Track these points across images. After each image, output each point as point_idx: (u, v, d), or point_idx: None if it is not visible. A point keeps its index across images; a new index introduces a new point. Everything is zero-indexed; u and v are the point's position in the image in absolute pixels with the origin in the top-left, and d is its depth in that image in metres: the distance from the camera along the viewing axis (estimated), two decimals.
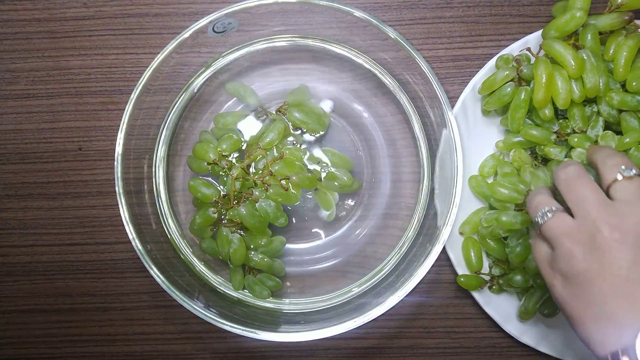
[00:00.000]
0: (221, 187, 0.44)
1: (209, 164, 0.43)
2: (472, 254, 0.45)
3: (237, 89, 0.46)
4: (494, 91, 0.44)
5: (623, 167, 0.33)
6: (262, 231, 0.43)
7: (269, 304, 0.46)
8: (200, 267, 0.46)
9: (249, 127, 0.45)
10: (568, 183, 0.34)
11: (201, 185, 0.43)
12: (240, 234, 0.43)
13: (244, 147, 0.45)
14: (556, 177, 0.35)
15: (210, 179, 0.45)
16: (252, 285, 0.44)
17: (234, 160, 0.43)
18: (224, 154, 0.43)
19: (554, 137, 0.42)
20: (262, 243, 0.43)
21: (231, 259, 0.43)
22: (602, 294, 0.31)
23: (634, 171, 0.33)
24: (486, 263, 0.45)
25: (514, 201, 0.42)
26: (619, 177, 0.33)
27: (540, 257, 0.35)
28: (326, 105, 0.47)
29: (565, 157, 0.42)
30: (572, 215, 0.33)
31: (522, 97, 0.42)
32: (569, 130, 0.43)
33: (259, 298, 0.45)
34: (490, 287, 0.45)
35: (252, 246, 0.43)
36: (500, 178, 0.44)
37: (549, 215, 0.34)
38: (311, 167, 0.45)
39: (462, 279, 0.44)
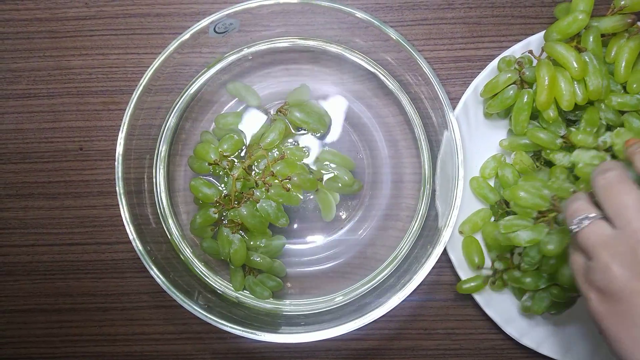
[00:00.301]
0: (222, 186, 0.44)
1: (210, 164, 0.43)
2: (474, 251, 0.44)
3: (238, 90, 0.46)
4: (496, 94, 0.43)
5: None
6: (262, 232, 0.43)
7: (269, 304, 0.45)
8: (200, 267, 0.46)
9: (250, 126, 0.45)
10: (607, 189, 0.31)
11: (202, 185, 0.43)
12: (241, 235, 0.43)
13: (243, 152, 0.44)
14: (594, 183, 0.32)
15: (211, 178, 0.45)
16: (252, 286, 0.44)
17: (235, 161, 0.43)
18: (225, 154, 0.43)
19: (559, 141, 0.42)
20: (262, 244, 0.43)
21: (232, 259, 0.43)
22: None
23: None
24: (487, 263, 0.45)
25: (537, 208, 0.39)
26: None
27: (575, 267, 0.32)
28: (327, 106, 0.47)
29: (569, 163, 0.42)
30: (612, 224, 0.31)
31: (525, 99, 0.42)
32: (579, 137, 0.41)
33: (260, 299, 0.45)
34: (493, 283, 0.44)
35: (251, 244, 0.43)
36: (522, 181, 0.42)
37: (586, 222, 0.31)
38: (314, 167, 0.45)
39: (463, 286, 0.44)
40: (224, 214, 0.43)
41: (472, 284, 0.44)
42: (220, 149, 0.43)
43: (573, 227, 0.32)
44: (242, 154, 0.45)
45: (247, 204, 0.42)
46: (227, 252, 0.43)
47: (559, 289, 0.42)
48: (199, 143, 0.44)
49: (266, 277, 0.45)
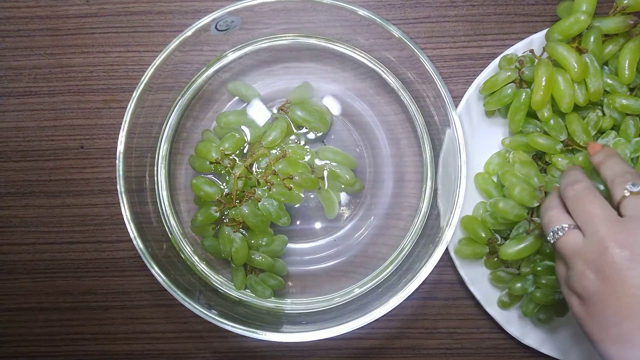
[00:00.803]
0: (224, 185, 0.43)
1: (211, 163, 0.43)
2: (477, 226, 0.43)
3: (239, 89, 0.46)
4: (495, 91, 0.43)
5: (631, 183, 0.32)
6: (264, 231, 0.43)
7: (271, 303, 0.45)
8: (201, 266, 0.46)
9: (252, 125, 0.45)
10: (576, 200, 0.34)
11: (204, 184, 0.42)
12: (242, 233, 0.43)
13: (246, 148, 0.44)
14: (564, 193, 0.35)
15: (212, 177, 0.44)
16: (254, 285, 0.44)
17: (236, 159, 0.43)
18: (226, 152, 0.42)
19: (560, 146, 0.42)
20: (263, 243, 0.43)
21: (233, 258, 0.43)
22: (617, 315, 0.30)
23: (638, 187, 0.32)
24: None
25: (525, 204, 0.41)
26: (627, 193, 0.32)
27: (559, 274, 0.35)
28: (329, 104, 0.46)
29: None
30: (583, 233, 0.33)
31: (522, 99, 0.42)
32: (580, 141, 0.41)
33: (261, 298, 0.44)
34: (492, 258, 0.44)
35: (252, 242, 0.43)
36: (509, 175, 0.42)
37: (560, 234, 0.33)
38: (317, 163, 0.45)
39: (459, 249, 0.44)
40: (225, 212, 0.43)
41: (468, 249, 0.44)
42: (221, 148, 0.42)
43: (550, 238, 0.34)
44: (245, 151, 0.45)
45: (248, 203, 0.42)
46: (228, 251, 0.43)
47: (542, 292, 0.42)
48: (200, 142, 0.44)
49: (267, 276, 0.44)
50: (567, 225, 0.33)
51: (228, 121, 0.45)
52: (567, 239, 0.33)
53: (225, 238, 0.42)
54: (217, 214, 0.42)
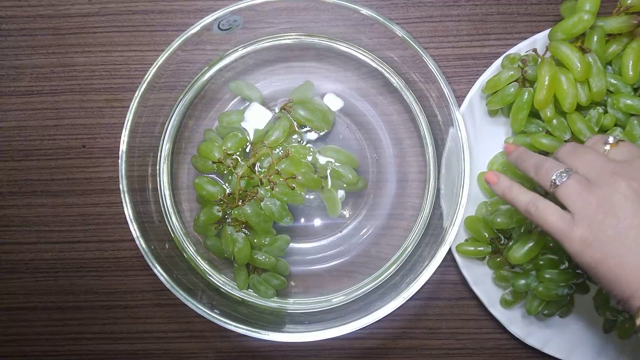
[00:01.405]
0: (226, 185, 0.43)
1: (213, 162, 0.43)
2: (481, 226, 0.43)
3: (241, 88, 0.46)
4: (497, 90, 0.43)
5: (604, 139, 0.35)
6: (266, 230, 0.43)
7: (273, 303, 0.45)
8: (204, 265, 0.46)
9: (254, 124, 0.45)
10: (571, 153, 0.35)
11: (206, 183, 0.42)
12: (245, 233, 0.43)
13: (248, 148, 0.44)
14: (558, 154, 0.36)
15: (215, 176, 0.44)
16: (256, 285, 0.44)
17: (239, 159, 0.43)
18: (229, 152, 0.42)
19: None
20: (266, 242, 0.43)
21: (235, 257, 0.43)
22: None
23: (612, 138, 0.35)
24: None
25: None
26: (607, 147, 0.35)
27: (556, 223, 0.33)
28: (332, 103, 0.46)
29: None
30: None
31: (525, 98, 0.42)
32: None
33: (264, 297, 0.44)
34: (494, 258, 0.44)
35: (255, 242, 0.43)
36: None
37: (564, 176, 0.33)
38: (321, 161, 0.44)
39: (462, 247, 0.43)
40: (228, 212, 0.43)
41: (471, 248, 0.44)
42: (224, 147, 0.42)
43: (554, 181, 0.34)
44: (247, 151, 0.45)
45: (251, 202, 0.42)
46: (231, 251, 0.42)
47: (545, 287, 0.41)
48: (202, 141, 0.44)
49: (270, 275, 0.44)
50: (569, 169, 0.34)
51: (230, 120, 0.45)
52: (574, 180, 0.33)
53: (228, 238, 0.42)
54: (220, 214, 0.42)
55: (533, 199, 0.34)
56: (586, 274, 0.39)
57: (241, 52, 0.46)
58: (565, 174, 0.33)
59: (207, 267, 0.46)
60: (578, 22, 0.40)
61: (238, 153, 0.43)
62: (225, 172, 0.43)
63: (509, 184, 0.37)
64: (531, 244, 0.41)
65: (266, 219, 0.42)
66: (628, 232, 0.31)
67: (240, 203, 0.42)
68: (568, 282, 0.41)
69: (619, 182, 0.32)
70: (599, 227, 0.31)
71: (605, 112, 0.42)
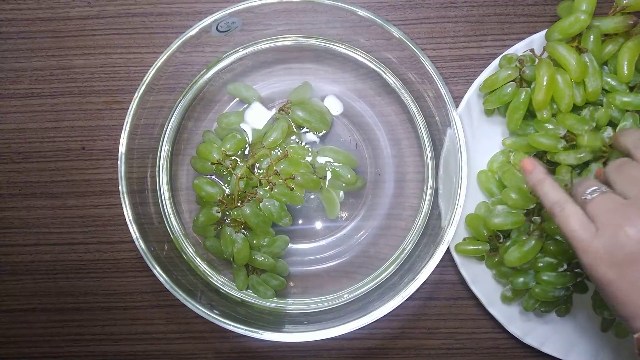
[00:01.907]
0: (225, 185, 0.44)
1: (213, 164, 0.43)
2: (480, 225, 0.44)
3: (239, 90, 0.46)
4: (495, 90, 0.43)
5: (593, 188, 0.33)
6: (265, 231, 0.43)
7: (272, 304, 0.45)
8: (203, 266, 0.46)
9: (253, 125, 0.45)
10: (617, 168, 0.34)
11: (206, 184, 0.43)
12: (244, 234, 0.43)
13: (247, 149, 0.44)
14: (607, 170, 0.34)
15: (214, 177, 0.45)
16: (255, 285, 0.44)
17: (238, 160, 0.43)
18: (227, 153, 0.43)
19: (562, 145, 0.42)
20: (265, 243, 0.43)
21: (235, 258, 0.43)
22: None
23: None
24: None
25: (522, 207, 0.41)
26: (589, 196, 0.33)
27: (576, 231, 0.32)
28: (333, 107, 0.47)
29: (577, 163, 0.42)
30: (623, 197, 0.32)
31: (522, 98, 0.42)
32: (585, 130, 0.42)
33: (263, 298, 0.44)
34: (492, 257, 0.44)
35: (254, 243, 0.43)
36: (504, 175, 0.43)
37: (597, 193, 0.32)
38: (320, 160, 0.45)
39: (461, 247, 0.44)
40: (227, 213, 0.43)
41: (470, 247, 0.44)
42: (223, 149, 0.43)
43: (585, 196, 0.33)
44: (246, 152, 0.45)
45: (250, 203, 0.42)
46: (230, 252, 0.43)
47: (541, 289, 0.42)
48: (201, 143, 0.44)
49: (269, 276, 0.44)
50: (605, 188, 0.32)
51: (229, 122, 0.45)
52: (605, 198, 0.32)
53: (227, 238, 0.42)
54: (219, 215, 0.43)
55: (561, 200, 0.33)
56: (587, 278, 0.39)
57: (240, 53, 0.46)
58: (597, 191, 0.32)
59: (207, 268, 0.46)
60: (575, 22, 0.40)
61: (238, 154, 0.44)
62: (224, 173, 0.43)
63: (543, 177, 0.35)
64: (528, 248, 0.41)
65: (265, 220, 0.42)
66: None
67: (239, 204, 0.42)
68: (566, 285, 0.41)
69: None
70: (619, 248, 0.30)
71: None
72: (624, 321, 0.31)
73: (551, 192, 0.34)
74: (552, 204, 0.33)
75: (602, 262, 0.31)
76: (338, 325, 0.40)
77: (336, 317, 0.42)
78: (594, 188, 0.33)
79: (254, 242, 0.43)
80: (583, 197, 0.33)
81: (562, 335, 0.45)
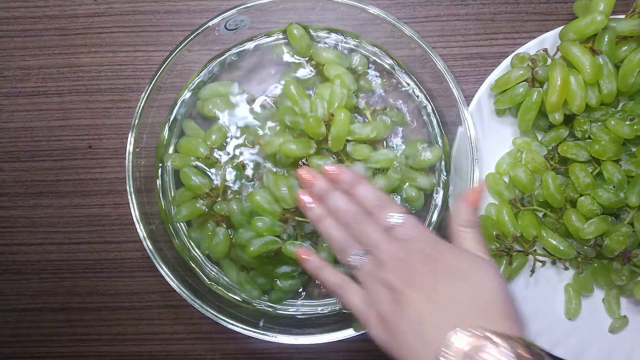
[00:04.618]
0: (214, 176, 0.43)
1: (200, 159, 0.42)
2: (490, 225, 0.43)
3: (216, 89, 0.45)
4: (506, 89, 0.43)
5: (392, 215, 0.35)
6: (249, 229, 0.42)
7: (280, 305, 0.45)
8: (210, 267, 0.46)
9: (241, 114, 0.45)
10: (362, 231, 0.36)
11: (194, 174, 0.42)
12: (225, 229, 0.43)
13: (229, 139, 0.44)
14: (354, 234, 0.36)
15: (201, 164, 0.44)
16: (243, 283, 0.44)
17: (236, 152, 0.43)
18: (213, 147, 0.42)
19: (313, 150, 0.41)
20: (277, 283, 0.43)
21: (212, 252, 0.43)
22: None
23: (399, 219, 0.35)
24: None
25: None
26: (391, 223, 0.35)
27: (356, 305, 0.34)
28: None
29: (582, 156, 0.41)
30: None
31: (534, 98, 0.42)
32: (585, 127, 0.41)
33: (249, 297, 0.44)
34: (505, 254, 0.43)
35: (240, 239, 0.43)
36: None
37: (358, 259, 0.35)
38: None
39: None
40: (216, 207, 0.43)
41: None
42: (208, 142, 0.42)
43: (350, 261, 0.35)
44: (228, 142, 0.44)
45: (237, 199, 0.42)
46: (206, 245, 0.42)
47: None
48: (184, 137, 0.43)
49: (257, 274, 0.44)
50: (360, 251, 0.35)
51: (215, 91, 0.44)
52: (364, 264, 0.35)
53: (207, 231, 0.42)
54: (205, 208, 0.42)
55: (342, 282, 0.36)
56: None
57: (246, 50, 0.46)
58: (359, 257, 0.35)
59: (213, 269, 0.46)
60: (591, 23, 0.40)
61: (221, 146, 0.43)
62: (215, 164, 0.43)
63: (321, 264, 0.37)
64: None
65: (247, 219, 0.42)
66: (413, 323, 0.31)
67: (225, 197, 0.42)
68: None
69: (395, 272, 0.33)
70: (381, 307, 0.32)
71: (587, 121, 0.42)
72: None
73: (331, 277, 0.36)
74: (334, 289, 0.36)
75: (377, 325, 0.33)
76: (346, 327, 0.39)
77: (344, 319, 0.42)
78: (355, 252, 0.35)
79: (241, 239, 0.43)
80: (350, 263, 0.35)
81: (573, 339, 0.44)
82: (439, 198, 0.45)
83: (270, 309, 0.45)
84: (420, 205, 0.44)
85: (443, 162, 0.44)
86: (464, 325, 0.29)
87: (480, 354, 0.28)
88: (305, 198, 0.38)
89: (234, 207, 0.41)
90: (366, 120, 0.44)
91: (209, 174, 0.43)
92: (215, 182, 0.43)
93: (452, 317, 0.30)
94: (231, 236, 0.43)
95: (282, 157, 0.42)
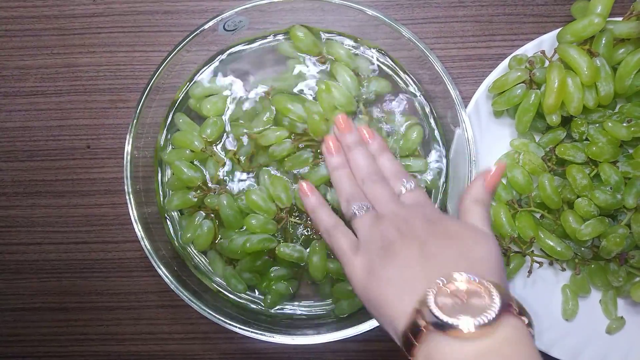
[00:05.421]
0: (206, 171, 0.43)
1: (194, 152, 0.42)
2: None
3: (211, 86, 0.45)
4: (504, 91, 0.43)
5: (404, 180, 0.36)
6: (237, 226, 0.43)
7: (278, 306, 0.45)
8: (207, 267, 0.46)
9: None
10: (369, 186, 0.36)
11: (187, 167, 0.42)
12: (213, 221, 0.43)
13: (227, 130, 0.44)
14: (362, 185, 0.37)
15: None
16: (228, 277, 0.44)
17: (231, 146, 0.43)
18: (209, 140, 0.42)
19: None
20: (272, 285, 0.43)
21: (195, 242, 0.43)
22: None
23: (411, 184, 0.36)
24: None
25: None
26: (402, 190, 0.36)
27: (342, 248, 0.34)
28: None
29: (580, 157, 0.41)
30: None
31: (532, 100, 0.42)
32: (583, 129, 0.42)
33: (234, 291, 0.44)
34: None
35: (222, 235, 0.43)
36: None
37: (362, 212, 0.35)
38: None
39: None
40: (207, 201, 0.43)
41: None
42: (203, 135, 0.42)
43: (354, 211, 0.35)
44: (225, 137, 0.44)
45: (227, 193, 0.42)
46: (188, 236, 0.43)
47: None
48: (177, 131, 0.43)
49: (243, 268, 0.44)
50: (366, 206, 0.35)
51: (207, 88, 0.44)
52: (366, 216, 0.35)
53: (193, 222, 0.42)
54: (196, 200, 0.42)
55: (335, 223, 0.36)
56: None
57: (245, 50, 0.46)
58: (364, 209, 0.35)
59: (210, 269, 0.46)
60: (588, 26, 0.40)
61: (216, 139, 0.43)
62: (208, 158, 0.43)
63: (319, 202, 0.37)
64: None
65: (236, 215, 0.42)
66: (401, 270, 0.31)
67: (220, 191, 0.42)
68: None
69: (394, 223, 0.33)
70: (377, 259, 0.32)
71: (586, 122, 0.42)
72: (388, 328, 0.31)
73: (326, 217, 0.36)
74: (327, 228, 0.36)
75: (361, 271, 0.32)
76: (344, 327, 0.39)
77: (342, 320, 0.42)
78: (360, 204, 0.35)
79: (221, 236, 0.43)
80: (352, 212, 0.35)
81: (570, 340, 0.45)
82: (435, 202, 0.45)
83: (267, 310, 0.45)
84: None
85: (443, 161, 0.45)
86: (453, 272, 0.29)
87: (467, 298, 0.27)
88: (332, 143, 0.39)
89: (224, 201, 0.41)
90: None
91: (202, 167, 0.43)
92: (208, 175, 0.43)
93: (441, 267, 0.29)
94: (219, 232, 0.43)
95: (275, 151, 0.43)
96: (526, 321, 0.28)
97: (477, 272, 0.29)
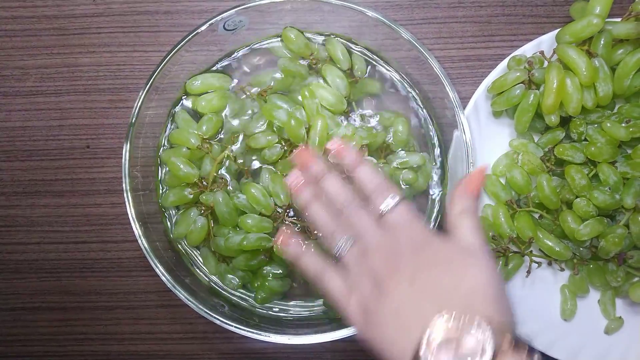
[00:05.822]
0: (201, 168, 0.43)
1: (190, 149, 0.42)
2: (486, 227, 0.43)
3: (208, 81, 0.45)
4: (503, 91, 0.43)
5: (387, 195, 0.34)
6: (232, 224, 0.43)
7: (276, 306, 0.45)
8: (205, 267, 0.46)
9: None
10: (350, 217, 0.35)
11: (184, 163, 0.42)
12: (205, 217, 0.43)
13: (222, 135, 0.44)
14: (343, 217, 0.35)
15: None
16: (222, 273, 0.44)
17: (227, 143, 0.43)
18: (205, 137, 0.42)
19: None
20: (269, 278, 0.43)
21: (187, 237, 0.43)
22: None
23: (395, 199, 0.34)
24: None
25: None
26: (386, 206, 0.34)
27: (334, 291, 0.34)
28: None
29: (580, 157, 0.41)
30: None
31: (531, 100, 0.42)
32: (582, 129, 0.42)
33: (229, 287, 0.44)
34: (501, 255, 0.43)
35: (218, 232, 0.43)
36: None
37: (347, 247, 0.34)
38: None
39: None
40: (202, 197, 0.43)
41: None
42: (199, 132, 0.42)
43: (339, 252, 0.34)
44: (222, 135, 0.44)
45: (223, 191, 0.42)
46: (180, 231, 0.43)
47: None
48: (175, 129, 0.44)
49: (237, 266, 0.44)
50: (349, 238, 0.34)
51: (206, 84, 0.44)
52: (351, 250, 0.34)
53: (187, 217, 0.42)
54: (192, 197, 0.42)
55: (322, 269, 0.35)
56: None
57: (244, 52, 0.46)
58: (349, 244, 0.34)
59: (207, 270, 0.46)
60: (587, 26, 0.40)
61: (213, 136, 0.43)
62: (205, 154, 0.43)
63: (301, 250, 0.36)
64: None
65: (232, 213, 0.42)
66: (395, 312, 0.31)
67: (211, 189, 0.42)
68: None
69: (381, 255, 0.32)
70: (362, 296, 0.32)
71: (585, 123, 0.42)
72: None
73: (311, 264, 0.35)
74: (315, 275, 0.35)
75: (357, 315, 0.32)
76: (342, 327, 0.39)
77: (340, 319, 0.42)
78: (344, 239, 0.34)
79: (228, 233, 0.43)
80: (338, 249, 0.34)
81: (569, 340, 0.45)
82: (435, 204, 0.45)
83: (265, 310, 0.45)
84: (420, 187, 0.44)
85: (440, 161, 0.45)
86: (446, 311, 0.28)
87: (460, 340, 0.27)
88: (295, 180, 0.36)
89: (220, 198, 0.41)
90: (357, 126, 0.44)
91: (198, 164, 0.43)
92: (204, 172, 0.43)
93: (433, 305, 0.29)
94: (213, 229, 0.43)
95: (266, 154, 0.43)
96: (524, 355, 0.28)
97: (470, 305, 0.29)
